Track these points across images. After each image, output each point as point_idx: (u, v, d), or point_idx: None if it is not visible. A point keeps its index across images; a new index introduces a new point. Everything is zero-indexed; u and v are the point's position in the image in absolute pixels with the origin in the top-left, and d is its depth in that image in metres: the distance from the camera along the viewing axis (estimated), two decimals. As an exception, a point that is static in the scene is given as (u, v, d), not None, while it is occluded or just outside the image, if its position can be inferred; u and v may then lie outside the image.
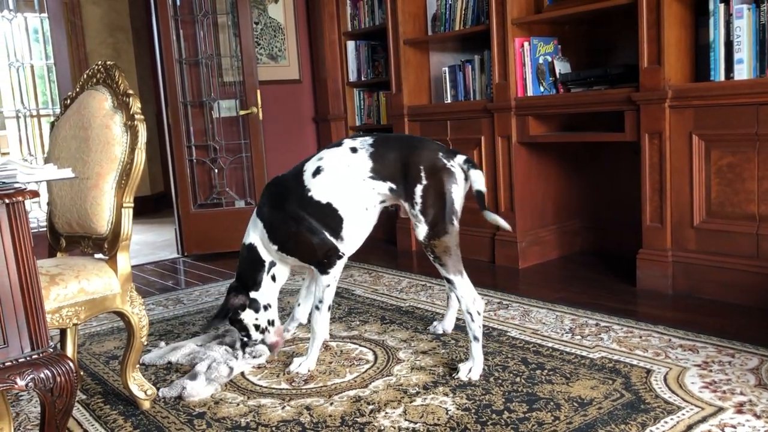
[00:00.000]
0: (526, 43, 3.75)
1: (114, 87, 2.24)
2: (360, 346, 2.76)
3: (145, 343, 2.27)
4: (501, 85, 3.84)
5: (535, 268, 3.89)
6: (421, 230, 2.39)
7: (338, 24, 5.24)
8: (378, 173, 2.44)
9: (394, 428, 2.02)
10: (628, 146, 3.68)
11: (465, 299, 2.40)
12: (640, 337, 2.63)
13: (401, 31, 4.44)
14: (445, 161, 2.40)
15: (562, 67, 3.80)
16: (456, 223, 2.38)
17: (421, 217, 2.38)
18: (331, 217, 2.46)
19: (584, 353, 2.50)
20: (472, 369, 2.36)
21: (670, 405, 2.05)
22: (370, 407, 2.18)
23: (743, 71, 2.88)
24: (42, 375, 1.56)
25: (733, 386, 2.14)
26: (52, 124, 2.47)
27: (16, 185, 1.57)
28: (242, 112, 4.76)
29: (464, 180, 2.43)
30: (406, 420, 2.07)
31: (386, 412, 2.13)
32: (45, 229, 2.47)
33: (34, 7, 4.77)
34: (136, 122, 2.17)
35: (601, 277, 3.58)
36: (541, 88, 3.80)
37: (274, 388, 2.39)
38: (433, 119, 4.33)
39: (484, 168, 4.02)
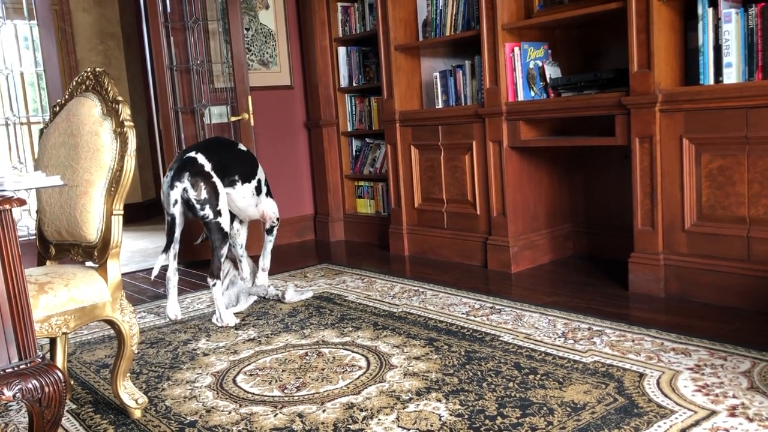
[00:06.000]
0: (516, 48, 3.76)
1: (103, 94, 2.23)
2: (352, 352, 2.75)
3: (136, 351, 2.26)
4: (492, 90, 3.85)
5: (527, 272, 3.89)
6: None
7: (329, 30, 5.24)
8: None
9: (387, 435, 2.02)
10: (619, 150, 3.69)
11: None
12: (633, 340, 2.63)
13: (392, 36, 4.44)
14: None
15: (552, 71, 3.81)
16: None
17: None
18: None
19: (577, 357, 2.50)
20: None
21: (663, 409, 2.05)
22: (363, 414, 2.17)
23: (732, 75, 2.90)
24: (30, 385, 1.54)
25: (725, 389, 2.14)
26: (41, 132, 2.45)
27: (5, 193, 1.56)
28: (233, 119, 4.75)
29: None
30: (399, 426, 2.06)
31: (379, 419, 2.12)
32: (35, 237, 2.45)
33: (23, 14, 4.75)
34: (125, 129, 2.16)
35: (593, 280, 3.58)
36: (532, 93, 3.81)
37: (266, 396, 2.37)
38: (425, 124, 4.34)
39: (476, 173, 4.02)
